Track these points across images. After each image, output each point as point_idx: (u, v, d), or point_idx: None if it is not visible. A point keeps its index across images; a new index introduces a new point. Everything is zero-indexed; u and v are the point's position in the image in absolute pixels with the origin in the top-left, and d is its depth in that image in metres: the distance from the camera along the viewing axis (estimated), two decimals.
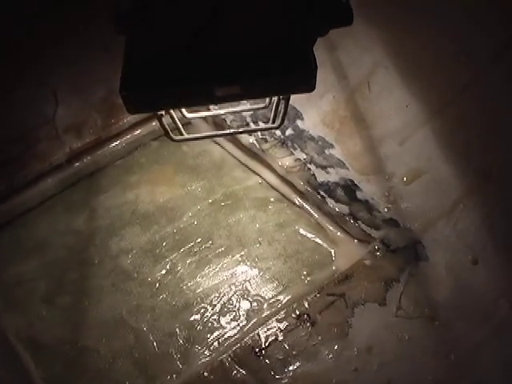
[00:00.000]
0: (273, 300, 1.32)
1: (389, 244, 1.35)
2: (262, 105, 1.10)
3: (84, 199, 1.51)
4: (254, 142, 1.57)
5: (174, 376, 1.21)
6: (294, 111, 1.57)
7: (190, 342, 1.26)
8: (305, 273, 1.36)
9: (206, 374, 1.19)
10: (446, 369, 1.16)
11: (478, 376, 1.14)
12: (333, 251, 1.40)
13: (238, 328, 1.27)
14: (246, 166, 1.58)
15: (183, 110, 1.05)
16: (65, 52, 1.42)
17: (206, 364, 1.21)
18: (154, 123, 1.62)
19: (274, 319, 1.26)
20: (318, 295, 1.29)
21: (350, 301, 1.28)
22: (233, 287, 1.34)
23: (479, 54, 1.22)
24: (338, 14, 0.83)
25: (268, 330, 1.25)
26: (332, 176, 1.48)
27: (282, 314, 1.27)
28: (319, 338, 1.23)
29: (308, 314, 1.26)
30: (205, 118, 1.65)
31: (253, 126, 1.59)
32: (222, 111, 1.23)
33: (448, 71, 1.29)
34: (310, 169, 1.49)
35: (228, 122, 1.62)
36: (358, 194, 1.44)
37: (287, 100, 0.96)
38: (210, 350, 1.24)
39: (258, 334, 1.24)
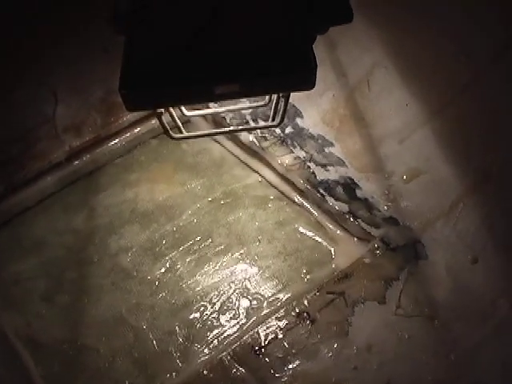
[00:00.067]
0: (272, 298, 1.32)
1: (388, 242, 1.35)
2: (261, 103, 1.10)
3: (83, 198, 1.51)
4: (254, 140, 1.57)
5: (174, 374, 1.21)
6: (294, 109, 1.57)
7: (190, 340, 1.25)
8: (304, 271, 1.36)
9: (205, 372, 1.19)
10: (445, 368, 1.16)
11: (476, 376, 1.15)
12: (332, 249, 1.40)
13: (238, 326, 1.27)
14: (246, 164, 1.58)
15: (183, 108, 1.05)
16: (65, 52, 1.42)
17: (206, 362, 1.21)
18: (153, 121, 1.61)
19: (273, 317, 1.26)
20: (318, 293, 1.29)
21: (349, 299, 1.28)
22: (232, 285, 1.34)
23: (479, 53, 1.22)
24: (338, 12, 0.83)
25: (267, 328, 1.25)
26: (332, 174, 1.48)
27: (281, 313, 1.27)
28: (319, 336, 1.23)
29: (308, 313, 1.26)
30: (204, 116, 1.65)
31: (252, 124, 1.59)
32: (221, 109, 1.23)
33: (448, 71, 1.29)
34: (309, 167, 1.49)
35: (228, 120, 1.61)
36: (358, 193, 1.44)
37: (287, 98, 0.96)
38: (209, 348, 1.24)
39: (258, 333, 1.24)
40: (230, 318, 1.29)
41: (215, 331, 1.27)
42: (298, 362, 1.20)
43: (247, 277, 1.36)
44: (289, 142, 1.54)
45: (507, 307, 1.18)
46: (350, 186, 1.45)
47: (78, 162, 1.54)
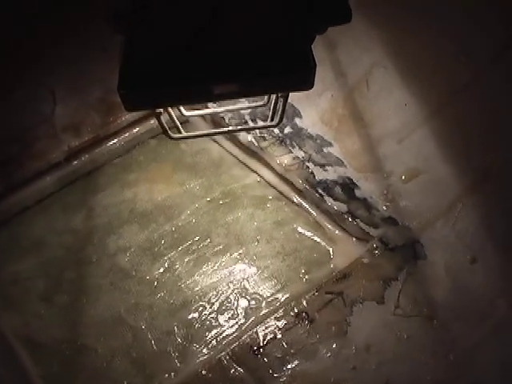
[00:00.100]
0: (271, 298, 1.32)
1: (387, 242, 1.35)
2: (260, 103, 1.10)
3: (82, 198, 1.50)
4: (253, 140, 1.57)
5: (172, 374, 1.21)
6: (293, 109, 1.57)
7: (188, 340, 1.25)
8: (303, 271, 1.36)
9: (204, 372, 1.19)
10: (444, 368, 1.16)
11: (475, 376, 1.15)
12: (331, 249, 1.40)
13: (236, 326, 1.27)
14: (245, 164, 1.58)
15: (181, 108, 1.05)
16: (65, 52, 1.42)
17: (204, 362, 1.21)
18: (152, 121, 1.61)
19: (272, 317, 1.26)
20: (317, 293, 1.29)
21: (348, 299, 1.28)
22: (231, 285, 1.34)
23: (479, 53, 1.23)
24: (337, 12, 0.83)
25: (266, 328, 1.25)
26: (330, 174, 1.48)
27: (280, 313, 1.27)
28: (317, 336, 1.23)
29: (306, 313, 1.26)
30: (203, 116, 1.65)
31: (251, 124, 1.58)
32: (220, 109, 1.22)
33: (448, 71, 1.29)
34: (308, 167, 1.49)
35: (226, 120, 1.61)
36: (357, 193, 1.44)
37: (286, 98, 0.96)
38: (208, 348, 1.24)
39: (257, 333, 1.24)
40: (229, 318, 1.29)
41: (214, 331, 1.27)
42: (296, 362, 1.20)
43: (246, 277, 1.36)
44: (287, 142, 1.54)
45: (506, 307, 1.19)
46: (348, 186, 1.45)
47: (76, 161, 1.54)
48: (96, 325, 1.27)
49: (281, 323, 1.25)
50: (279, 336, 1.23)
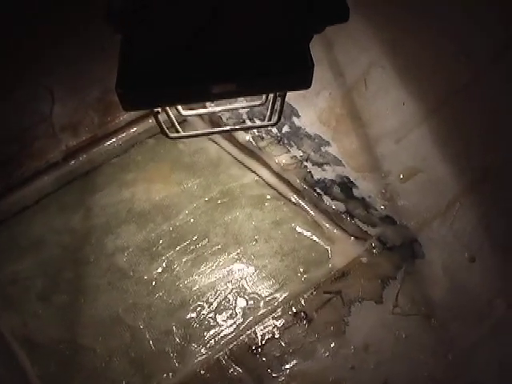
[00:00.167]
0: (269, 298, 1.32)
1: (385, 242, 1.35)
2: (258, 102, 1.10)
3: (80, 197, 1.50)
4: (251, 139, 1.57)
5: (171, 374, 1.21)
6: (291, 109, 1.57)
7: (187, 340, 1.25)
8: (301, 270, 1.36)
9: (202, 372, 1.19)
10: (442, 368, 1.16)
11: (473, 376, 1.15)
12: (329, 249, 1.40)
13: (235, 326, 1.27)
14: (243, 164, 1.58)
15: (179, 108, 1.04)
16: (64, 52, 1.42)
17: (203, 362, 1.21)
18: (150, 121, 1.61)
19: (270, 317, 1.26)
20: (315, 293, 1.29)
21: (346, 298, 1.28)
22: (229, 285, 1.34)
23: (479, 53, 1.23)
24: (335, 11, 0.83)
25: (264, 327, 1.25)
26: (328, 173, 1.48)
27: (278, 312, 1.27)
28: (316, 335, 1.23)
29: (305, 312, 1.26)
30: (201, 116, 1.65)
31: (249, 124, 1.58)
32: (218, 108, 1.22)
33: (447, 71, 1.29)
34: (306, 166, 1.49)
35: (224, 120, 1.61)
36: (355, 192, 1.44)
37: (283, 97, 0.96)
38: (206, 348, 1.24)
39: (255, 332, 1.24)
40: (227, 318, 1.29)
41: (212, 331, 1.27)
42: (295, 362, 1.20)
43: (244, 276, 1.35)
44: (285, 142, 1.54)
45: (504, 307, 1.19)
46: (346, 186, 1.45)
47: (74, 161, 1.54)
48: (94, 325, 1.27)
49: (279, 323, 1.25)
50: (277, 335, 1.23)
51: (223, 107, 1.20)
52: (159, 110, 0.94)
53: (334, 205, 1.43)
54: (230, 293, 1.33)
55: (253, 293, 1.33)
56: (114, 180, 1.54)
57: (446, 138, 1.32)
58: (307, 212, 1.47)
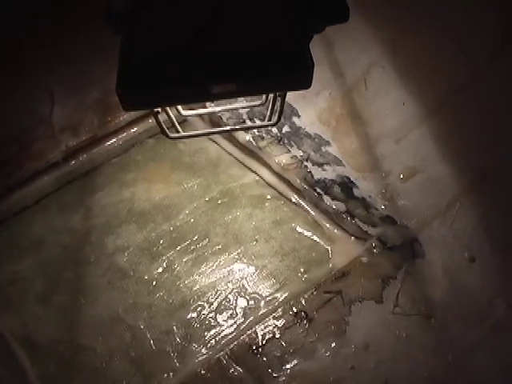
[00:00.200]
0: (270, 298, 1.32)
1: (386, 241, 1.35)
2: (258, 102, 1.10)
3: (80, 197, 1.50)
4: (251, 139, 1.57)
5: (171, 374, 1.20)
6: (291, 108, 1.57)
7: (187, 339, 1.25)
8: (302, 270, 1.36)
9: (203, 371, 1.19)
10: (443, 368, 1.16)
11: (474, 376, 1.15)
12: (329, 248, 1.40)
13: (235, 326, 1.27)
14: (243, 164, 1.58)
15: (179, 108, 1.04)
16: (64, 52, 1.42)
17: (203, 362, 1.21)
18: (150, 121, 1.61)
19: (271, 317, 1.26)
20: (315, 293, 1.29)
21: (346, 298, 1.28)
22: (230, 285, 1.34)
23: (479, 53, 1.22)
24: (335, 11, 0.83)
25: (265, 327, 1.25)
26: (329, 173, 1.48)
27: (278, 312, 1.27)
28: (316, 335, 1.23)
29: (305, 312, 1.26)
30: (201, 116, 1.65)
31: (249, 124, 1.58)
32: (218, 109, 1.22)
33: (447, 71, 1.29)
34: (306, 166, 1.49)
35: (224, 120, 1.61)
36: (355, 192, 1.44)
37: (283, 97, 0.95)
38: (206, 347, 1.24)
39: (255, 332, 1.24)
40: (228, 318, 1.29)
41: (213, 331, 1.27)
42: (295, 362, 1.20)
43: (244, 276, 1.35)
44: (286, 142, 1.54)
45: (504, 307, 1.19)
46: (346, 185, 1.45)
47: (74, 161, 1.54)
48: (94, 324, 1.27)
49: (280, 322, 1.25)
50: (278, 335, 1.23)
51: (223, 107, 1.20)
52: (159, 110, 0.93)
53: (334, 205, 1.43)
54: (230, 293, 1.33)
55: (253, 293, 1.33)
56: (114, 180, 1.54)
57: (446, 137, 1.32)
58: (307, 212, 1.47)
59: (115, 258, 1.38)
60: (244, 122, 1.59)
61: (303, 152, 1.52)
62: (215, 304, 1.31)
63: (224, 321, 1.28)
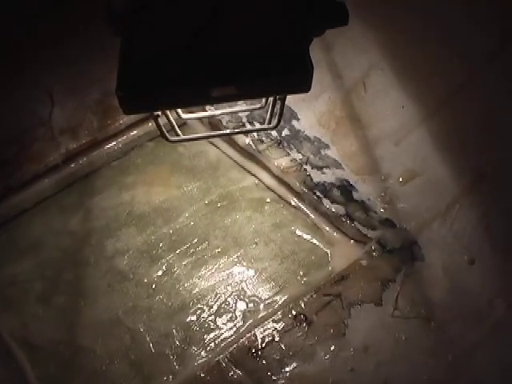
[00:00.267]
0: (269, 301, 1.32)
1: (385, 244, 1.35)
2: (258, 105, 1.10)
3: (79, 200, 1.50)
4: (250, 142, 1.57)
5: (171, 377, 1.20)
6: (290, 112, 1.57)
7: (187, 342, 1.25)
8: (301, 273, 1.36)
9: (202, 374, 1.19)
10: (443, 369, 1.16)
11: (474, 377, 1.15)
12: (329, 252, 1.40)
13: (235, 329, 1.27)
14: (242, 167, 1.58)
15: (179, 111, 1.05)
16: (64, 52, 1.42)
17: (203, 365, 1.21)
18: (149, 124, 1.61)
19: (270, 320, 1.26)
20: (315, 296, 1.29)
21: (346, 301, 1.28)
22: (229, 288, 1.34)
23: (478, 54, 1.23)
24: (335, 14, 0.83)
25: (264, 330, 1.24)
26: (328, 176, 1.48)
27: (278, 315, 1.27)
28: (316, 338, 1.23)
29: (304, 315, 1.26)
30: (201, 119, 1.65)
31: (249, 127, 1.59)
32: (217, 112, 1.23)
33: (445, 72, 1.29)
34: (305, 169, 1.50)
35: (224, 123, 1.61)
36: (354, 195, 1.44)
37: (283, 100, 0.96)
38: (206, 350, 1.24)
39: (255, 335, 1.24)
40: (227, 321, 1.29)
41: (212, 334, 1.26)
42: (294, 364, 1.20)
43: (244, 279, 1.35)
44: (285, 145, 1.55)
45: (504, 307, 1.19)
46: (346, 188, 1.45)
47: (74, 164, 1.54)
48: (94, 327, 1.27)
49: (279, 325, 1.25)
50: (277, 338, 1.23)
51: (223, 110, 1.20)
52: (159, 113, 0.94)
53: (333, 208, 1.43)
54: (229, 296, 1.33)
55: (253, 296, 1.33)
56: (114, 183, 1.54)
57: (445, 138, 1.32)
58: (307, 215, 1.47)
59: (115, 260, 1.38)
60: (244, 125, 1.59)
61: (303, 155, 1.52)
62: (215, 307, 1.31)
63: (223, 324, 1.28)
